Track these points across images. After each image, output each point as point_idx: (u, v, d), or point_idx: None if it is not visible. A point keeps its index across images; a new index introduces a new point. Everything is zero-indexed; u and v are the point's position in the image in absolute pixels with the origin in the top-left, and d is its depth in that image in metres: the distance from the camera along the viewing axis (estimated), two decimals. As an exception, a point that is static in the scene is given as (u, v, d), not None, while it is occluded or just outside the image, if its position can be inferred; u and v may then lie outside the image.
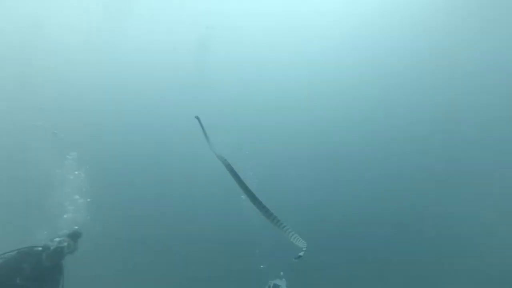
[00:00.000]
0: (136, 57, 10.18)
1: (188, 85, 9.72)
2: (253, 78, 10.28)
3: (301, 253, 2.12)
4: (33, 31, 9.53)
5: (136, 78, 10.06)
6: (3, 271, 3.34)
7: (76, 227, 3.91)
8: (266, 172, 8.86)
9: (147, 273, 8.10)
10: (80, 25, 9.92)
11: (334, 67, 10.20)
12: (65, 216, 5.25)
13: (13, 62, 9.32)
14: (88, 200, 6.17)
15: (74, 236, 3.72)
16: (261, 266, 7.53)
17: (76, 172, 6.95)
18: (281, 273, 7.56)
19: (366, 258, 8.14)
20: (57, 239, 3.57)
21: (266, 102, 10.12)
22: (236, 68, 10.23)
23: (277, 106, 10.10)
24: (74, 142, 7.74)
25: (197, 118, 3.96)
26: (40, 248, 3.54)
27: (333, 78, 10.16)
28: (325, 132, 9.81)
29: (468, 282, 7.69)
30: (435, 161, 8.96)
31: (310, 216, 8.46)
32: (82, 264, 3.88)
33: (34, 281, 3.39)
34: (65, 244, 3.55)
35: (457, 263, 7.93)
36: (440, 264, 8.00)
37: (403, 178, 8.90)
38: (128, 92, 9.94)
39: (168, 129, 9.41)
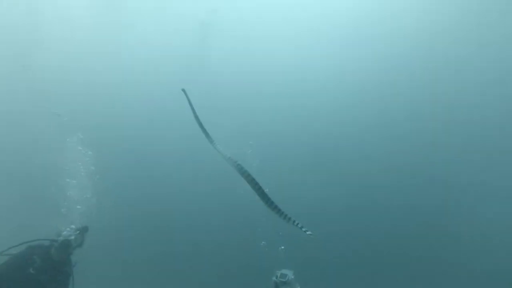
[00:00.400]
0: (140, 40, 9.79)
1: (191, 69, 9.40)
2: (256, 62, 9.91)
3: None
4: (36, 17, 9.18)
5: (141, 62, 9.71)
6: (17, 261, 3.29)
7: (82, 221, 3.82)
8: (266, 150, 8.76)
9: (152, 255, 8.05)
10: (82, 11, 9.49)
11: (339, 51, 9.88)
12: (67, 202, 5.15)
13: (17, 48, 9.01)
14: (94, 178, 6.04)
15: (81, 230, 3.62)
16: (262, 243, 7.55)
17: (80, 148, 6.83)
18: (282, 247, 7.64)
19: (372, 248, 8.10)
20: (64, 233, 3.48)
21: (268, 85, 9.83)
22: (239, 52, 9.87)
23: (278, 89, 9.81)
24: (79, 125, 7.58)
25: (183, 91, 3.66)
26: (47, 243, 3.46)
27: (336, 60, 9.85)
28: (326, 115, 9.59)
29: (468, 280, 7.66)
30: (438, 160, 8.80)
31: (311, 198, 8.38)
32: (90, 256, 3.80)
33: (45, 273, 3.34)
34: (72, 237, 3.46)
35: (457, 261, 7.89)
36: (442, 264, 7.98)
37: (405, 174, 8.77)
38: (134, 76, 9.63)
39: (174, 113, 9.14)
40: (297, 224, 2.50)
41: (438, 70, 9.42)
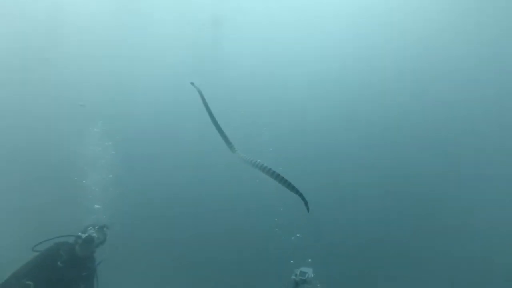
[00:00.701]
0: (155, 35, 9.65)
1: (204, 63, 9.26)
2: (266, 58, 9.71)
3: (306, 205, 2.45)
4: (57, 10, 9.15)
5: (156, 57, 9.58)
6: (46, 255, 3.35)
7: (102, 218, 3.84)
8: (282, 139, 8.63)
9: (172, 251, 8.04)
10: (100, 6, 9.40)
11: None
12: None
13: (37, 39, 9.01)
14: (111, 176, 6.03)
15: (102, 227, 3.61)
16: (276, 230, 7.49)
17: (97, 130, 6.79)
18: (298, 235, 7.56)
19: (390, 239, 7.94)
20: (86, 230, 3.48)
21: (280, 79, 9.64)
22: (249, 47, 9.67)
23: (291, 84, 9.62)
24: (101, 115, 7.59)
25: (193, 84, 3.55)
26: (72, 240, 3.48)
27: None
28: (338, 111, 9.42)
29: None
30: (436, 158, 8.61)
31: (330, 191, 8.26)
32: (112, 253, 3.78)
33: (72, 268, 3.38)
34: (95, 234, 3.46)
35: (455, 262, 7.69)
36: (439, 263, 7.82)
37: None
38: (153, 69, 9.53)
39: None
40: (303, 198, 2.51)
41: (438, 70, 9.34)
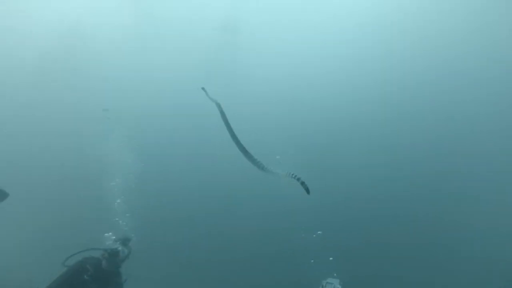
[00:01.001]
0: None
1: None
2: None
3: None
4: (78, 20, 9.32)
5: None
6: (73, 270, 3.36)
7: (125, 232, 3.81)
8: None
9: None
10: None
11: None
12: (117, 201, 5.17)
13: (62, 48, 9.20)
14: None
15: (125, 241, 3.58)
16: (302, 235, 7.37)
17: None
18: (319, 232, 7.42)
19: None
20: (111, 246, 3.46)
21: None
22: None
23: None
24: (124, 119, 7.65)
25: (204, 89, 3.58)
26: (99, 254, 3.46)
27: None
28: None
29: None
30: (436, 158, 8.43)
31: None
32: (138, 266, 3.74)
33: (98, 282, 3.37)
34: (120, 249, 3.42)
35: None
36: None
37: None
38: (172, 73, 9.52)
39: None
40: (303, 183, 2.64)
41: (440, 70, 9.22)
